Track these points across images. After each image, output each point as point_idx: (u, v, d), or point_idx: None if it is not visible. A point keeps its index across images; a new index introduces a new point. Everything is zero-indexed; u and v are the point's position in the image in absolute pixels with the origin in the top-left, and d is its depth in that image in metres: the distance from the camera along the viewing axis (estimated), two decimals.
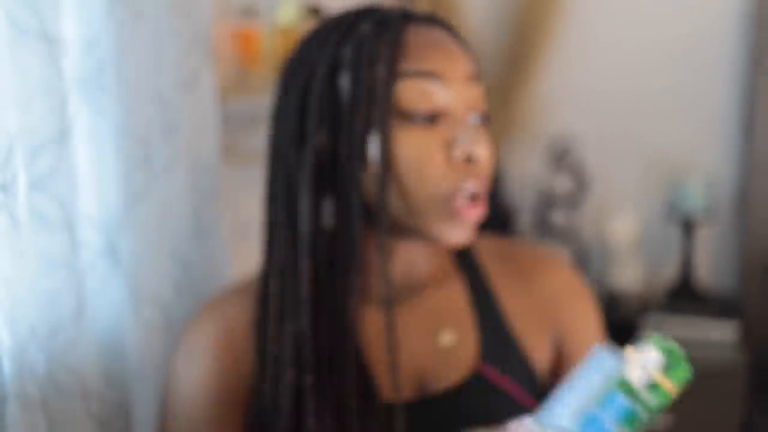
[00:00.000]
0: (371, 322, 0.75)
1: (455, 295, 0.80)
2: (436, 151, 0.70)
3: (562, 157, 2.04)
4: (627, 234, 1.99)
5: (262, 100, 1.40)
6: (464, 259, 0.83)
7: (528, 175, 2.11)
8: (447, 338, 0.77)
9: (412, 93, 0.69)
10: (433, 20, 0.75)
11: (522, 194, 2.11)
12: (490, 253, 0.84)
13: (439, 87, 0.70)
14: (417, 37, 0.71)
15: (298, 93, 0.72)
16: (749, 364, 1.70)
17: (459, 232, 0.72)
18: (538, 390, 0.80)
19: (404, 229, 0.73)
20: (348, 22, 0.73)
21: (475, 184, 0.71)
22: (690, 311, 1.86)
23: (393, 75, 0.69)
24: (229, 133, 1.38)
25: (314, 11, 1.43)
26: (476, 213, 0.72)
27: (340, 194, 0.71)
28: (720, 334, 1.82)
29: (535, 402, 0.79)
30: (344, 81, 0.70)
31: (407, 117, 0.70)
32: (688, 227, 1.90)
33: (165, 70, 0.92)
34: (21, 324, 0.70)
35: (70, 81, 0.79)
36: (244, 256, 1.11)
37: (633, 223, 1.99)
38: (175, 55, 0.96)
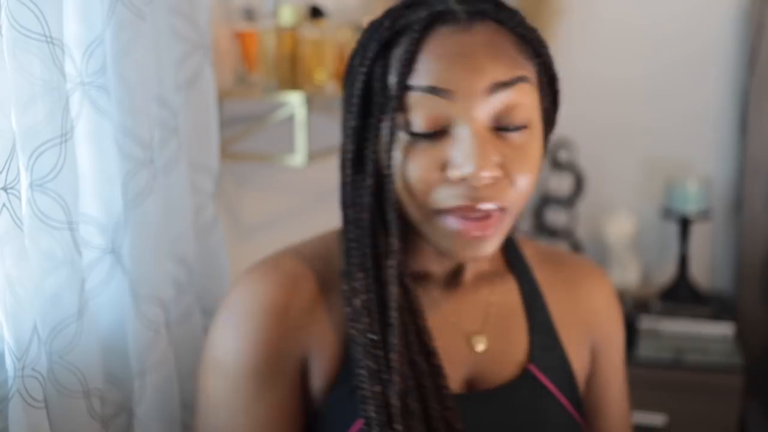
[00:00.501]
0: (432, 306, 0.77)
1: (509, 294, 0.81)
2: (434, 169, 0.68)
3: (559, 157, 2.04)
4: (623, 233, 1.99)
5: (262, 101, 1.41)
6: (514, 260, 0.83)
7: None
8: (481, 346, 0.77)
9: (417, 108, 0.68)
10: (486, 14, 0.70)
11: None
12: (535, 257, 0.85)
13: (443, 104, 0.67)
14: (444, 40, 0.68)
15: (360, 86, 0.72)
16: (745, 364, 1.71)
17: (466, 249, 0.70)
18: (575, 396, 0.80)
19: None
20: (388, 22, 0.72)
21: (471, 201, 0.67)
22: (686, 311, 1.87)
23: (402, 87, 0.68)
24: (229, 133, 1.39)
25: (314, 12, 1.44)
26: (480, 231, 0.69)
27: (377, 202, 0.72)
28: (716, 333, 1.82)
29: (574, 408, 0.79)
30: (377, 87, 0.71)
31: (412, 131, 0.68)
32: (684, 227, 1.91)
33: (166, 71, 0.93)
34: (23, 323, 0.70)
35: (72, 82, 0.79)
36: (244, 256, 1.11)
37: (629, 222, 2.00)
38: (175, 56, 0.97)
